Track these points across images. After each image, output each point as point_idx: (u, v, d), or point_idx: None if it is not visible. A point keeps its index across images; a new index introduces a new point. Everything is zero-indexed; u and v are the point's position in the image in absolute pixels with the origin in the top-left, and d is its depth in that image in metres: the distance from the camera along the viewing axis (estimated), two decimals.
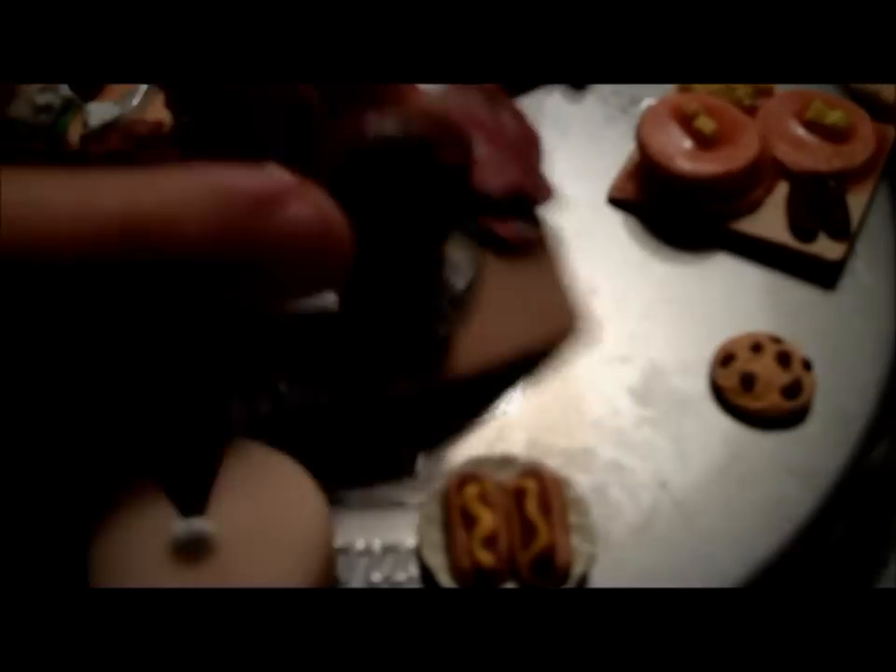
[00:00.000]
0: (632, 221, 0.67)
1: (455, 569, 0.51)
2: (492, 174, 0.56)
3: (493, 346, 0.56)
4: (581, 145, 0.71)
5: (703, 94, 0.68)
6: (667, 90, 0.71)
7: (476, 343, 0.55)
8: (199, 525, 0.47)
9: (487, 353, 0.56)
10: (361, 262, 0.44)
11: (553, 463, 0.55)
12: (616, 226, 0.67)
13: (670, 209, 0.66)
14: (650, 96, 0.70)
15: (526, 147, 0.58)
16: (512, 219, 0.57)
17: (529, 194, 0.56)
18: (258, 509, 0.48)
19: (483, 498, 0.52)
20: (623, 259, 0.64)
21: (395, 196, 0.48)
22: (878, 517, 0.59)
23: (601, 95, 0.74)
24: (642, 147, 0.66)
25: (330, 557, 0.49)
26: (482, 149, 0.54)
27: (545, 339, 0.57)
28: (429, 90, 0.55)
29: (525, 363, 0.58)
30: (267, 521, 0.48)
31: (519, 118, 0.61)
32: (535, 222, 0.59)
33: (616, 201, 0.68)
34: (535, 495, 0.52)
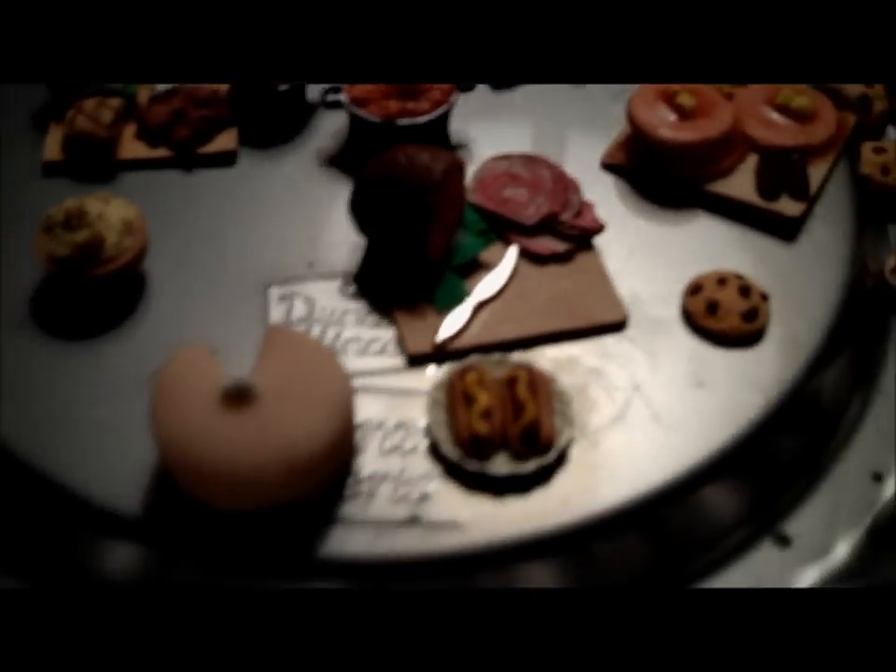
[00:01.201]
0: (621, 183, 0.78)
1: (456, 439, 0.61)
2: (528, 209, 0.73)
3: (526, 322, 0.69)
4: (580, 123, 0.82)
5: None
6: None
7: (513, 319, 0.69)
8: (244, 379, 0.57)
9: (521, 325, 0.69)
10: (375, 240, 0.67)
11: (541, 366, 0.65)
12: (607, 187, 0.77)
13: (654, 173, 0.77)
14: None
15: (563, 191, 0.74)
16: (543, 239, 0.72)
17: (562, 222, 0.72)
18: (293, 375, 0.59)
19: (481, 383, 0.62)
20: (611, 213, 0.74)
21: (383, 218, 0.67)
22: (819, 427, 0.68)
23: (594, 87, 0.85)
24: (631, 119, 0.77)
25: (349, 418, 0.59)
26: (522, 195, 0.73)
27: (570, 322, 0.69)
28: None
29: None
30: (301, 385, 0.58)
31: (555, 170, 0.75)
32: (565, 240, 0.72)
33: (608, 166, 0.79)
34: (525, 381, 0.62)
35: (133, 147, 0.76)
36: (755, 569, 0.64)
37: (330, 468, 0.59)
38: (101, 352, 0.67)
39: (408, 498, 0.61)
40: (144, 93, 0.79)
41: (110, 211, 0.65)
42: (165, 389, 0.58)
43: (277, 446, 0.55)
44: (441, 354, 0.66)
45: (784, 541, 0.64)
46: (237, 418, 0.56)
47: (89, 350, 0.67)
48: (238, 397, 0.56)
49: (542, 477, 0.62)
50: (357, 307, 0.69)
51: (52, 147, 0.76)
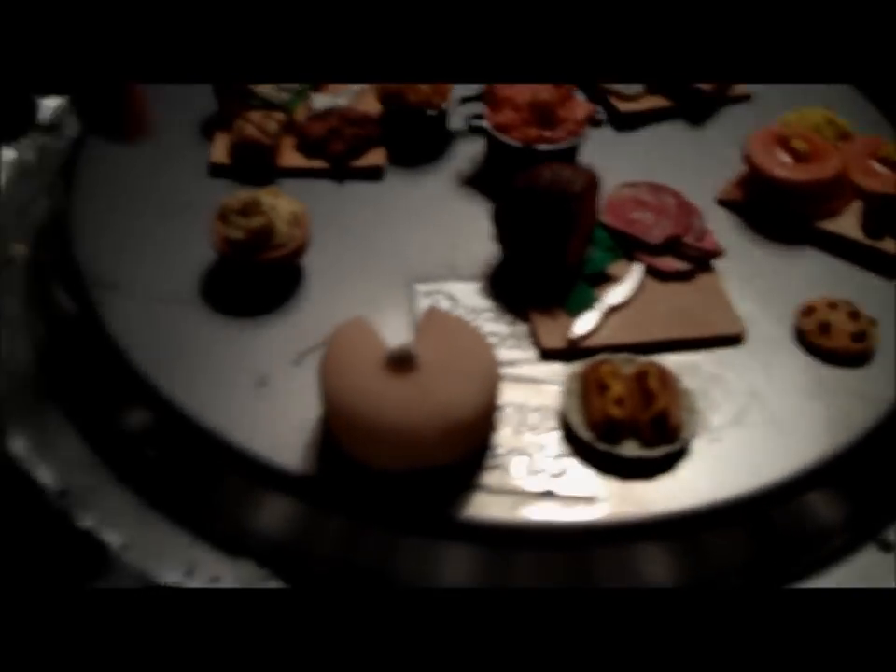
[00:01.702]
0: (735, 218, 0.84)
1: (590, 423, 0.66)
2: (653, 231, 0.79)
3: (651, 329, 0.74)
4: (696, 163, 0.88)
5: (798, 125, 0.86)
6: None
7: (639, 325, 0.75)
8: (409, 346, 0.63)
9: (646, 331, 0.74)
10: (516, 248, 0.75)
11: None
12: (724, 221, 0.83)
13: (767, 210, 0.83)
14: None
15: (686, 216, 0.80)
16: (667, 258, 0.78)
17: (685, 243, 0.78)
18: (449, 349, 0.64)
19: (615, 374, 0.68)
20: (728, 243, 0.80)
21: (528, 224, 0.73)
22: None
23: (714, 131, 0.92)
24: (749, 159, 0.83)
25: (496, 395, 0.65)
26: (648, 218, 0.80)
27: (692, 331, 0.74)
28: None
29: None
30: (456, 358, 0.64)
31: (678, 198, 0.82)
32: (686, 261, 0.78)
33: (724, 202, 0.85)
34: (656, 374, 0.68)
35: (291, 157, 0.83)
36: (856, 572, 0.68)
37: (478, 436, 0.64)
38: (263, 329, 0.73)
39: (543, 473, 0.65)
40: (301, 111, 0.86)
41: (280, 204, 0.72)
42: (335, 354, 0.64)
43: (435, 410, 0.61)
44: (572, 350, 0.72)
45: (887, 547, 0.68)
46: (400, 383, 0.61)
47: (252, 327, 0.73)
48: (401, 363, 0.61)
49: (667, 464, 0.66)
50: (495, 306, 0.75)
51: (219, 151, 0.83)
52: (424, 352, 0.63)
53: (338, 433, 0.63)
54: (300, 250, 0.73)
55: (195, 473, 0.68)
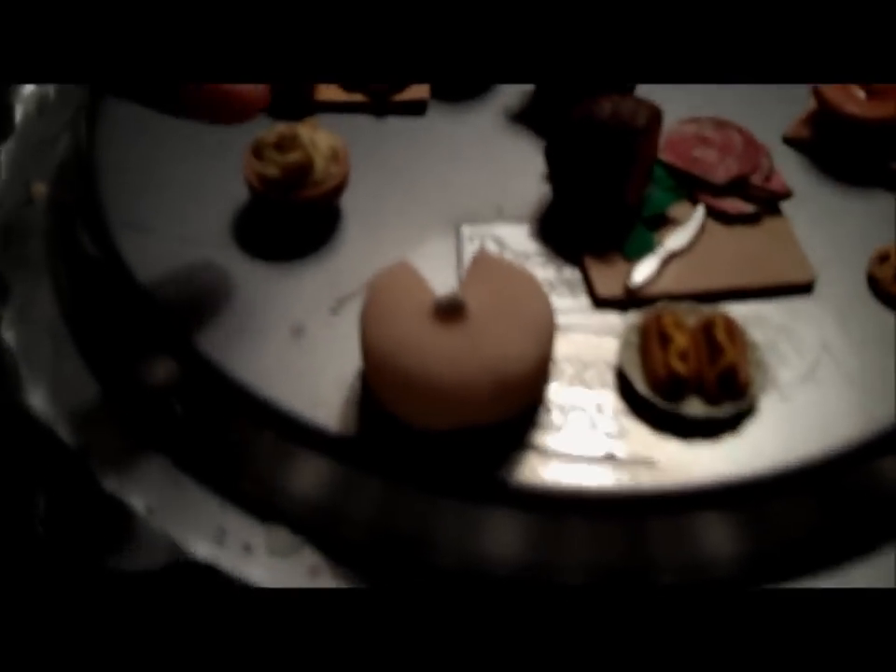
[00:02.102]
0: (803, 158, 0.78)
1: (651, 378, 0.61)
2: (717, 170, 0.73)
3: (715, 277, 0.69)
4: (761, 97, 0.82)
5: None
6: None
7: (701, 272, 0.69)
8: (458, 293, 0.57)
9: (710, 279, 0.69)
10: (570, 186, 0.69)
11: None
12: (791, 160, 0.77)
13: (837, 149, 0.77)
14: None
15: (753, 154, 0.74)
16: (731, 199, 0.72)
17: (751, 184, 0.73)
18: (502, 296, 0.59)
19: (678, 325, 0.63)
20: (795, 184, 0.74)
21: (585, 160, 0.68)
22: None
23: None
24: (818, 94, 0.77)
25: (552, 346, 0.60)
26: (712, 156, 0.74)
27: (758, 278, 0.69)
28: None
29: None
30: (509, 306, 0.59)
31: (745, 135, 0.76)
32: (753, 202, 0.73)
33: (790, 140, 0.79)
34: (723, 326, 0.62)
35: (329, 90, 0.78)
36: None
37: (532, 391, 0.60)
38: (299, 274, 0.68)
39: (599, 434, 0.61)
40: None
41: (319, 138, 0.67)
42: (376, 301, 0.59)
43: (488, 363, 0.56)
44: (629, 299, 0.66)
45: None
46: (448, 333, 0.57)
47: (287, 271, 0.68)
48: (450, 311, 0.57)
49: (733, 424, 0.61)
50: (545, 250, 0.70)
51: None
52: (473, 299, 0.58)
53: (379, 388, 0.59)
54: (339, 188, 0.68)
55: (225, 431, 0.63)
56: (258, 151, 0.67)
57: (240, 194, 0.69)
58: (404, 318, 0.58)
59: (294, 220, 0.69)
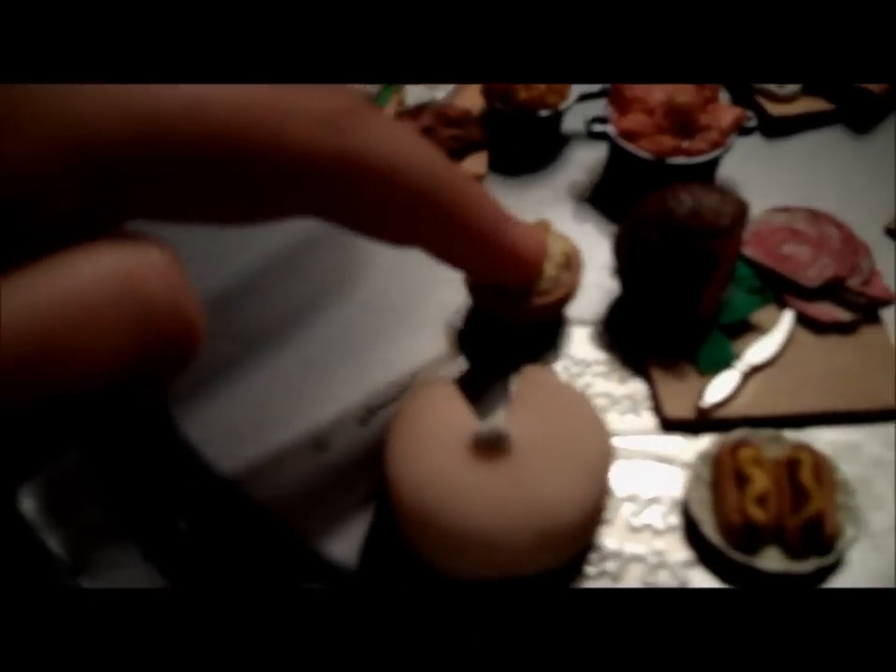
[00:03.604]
0: None
1: (723, 524, 0.53)
2: (810, 270, 0.64)
3: (802, 397, 0.60)
4: (864, 180, 0.73)
5: None
6: None
7: (787, 391, 0.60)
8: (502, 424, 0.49)
9: (797, 400, 0.60)
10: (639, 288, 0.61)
11: (819, 450, 0.56)
12: (891, 255, 0.68)
13: None
14: None
15: (852, 254, 0.65)
16: (825, 304, 0.64)
17: (848, 288, 0.64)
18: (550, 423, 0.51)
19: (757, 462, 0.54)
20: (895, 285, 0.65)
21: (657, 262, 0.59)
22: None
23: (883, 141, 0.76)
24: None
25: (607, 483, 0.52)
26: (804, 253, 0.65)
27: (853, 402, 0.60)
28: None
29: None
30: (560, 438, 0.51)
31: (843, 229, 0.67)
32: (849, 309, 0.64)
33: (894, 232, 0.69)
34: (809, 465, 0.54)
35: None
36: None
37: (583, 539, 0.52)
38: (330, 374, 0.60)
39: (658, 586, 0.52)
40: (392, 105, 0.73)
41: (552, 241, 0.59)
42: (406, 423, 0.51)
43: (533, 507, 0.48)
44: (702, 421, 0.58)
45: None
46: (488, 470, 0.49)
47: (318, 370, 0.60)
48: (492, 445, 0.49)
49: (817, 580, 0.53)
50: (608, 358, 0.62)
51: None
52: (519, 428, 0.50)
53: (404, 526, 0.50)
54: (566, 299, 0.60)
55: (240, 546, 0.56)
56: None
57: None
58: (437, 449, 0.50)
59: (510, 331, 0.62)
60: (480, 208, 0.46)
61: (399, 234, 0.45)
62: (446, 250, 0.47)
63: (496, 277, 0.53)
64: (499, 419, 0.50)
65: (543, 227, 0.59)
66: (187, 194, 0.35)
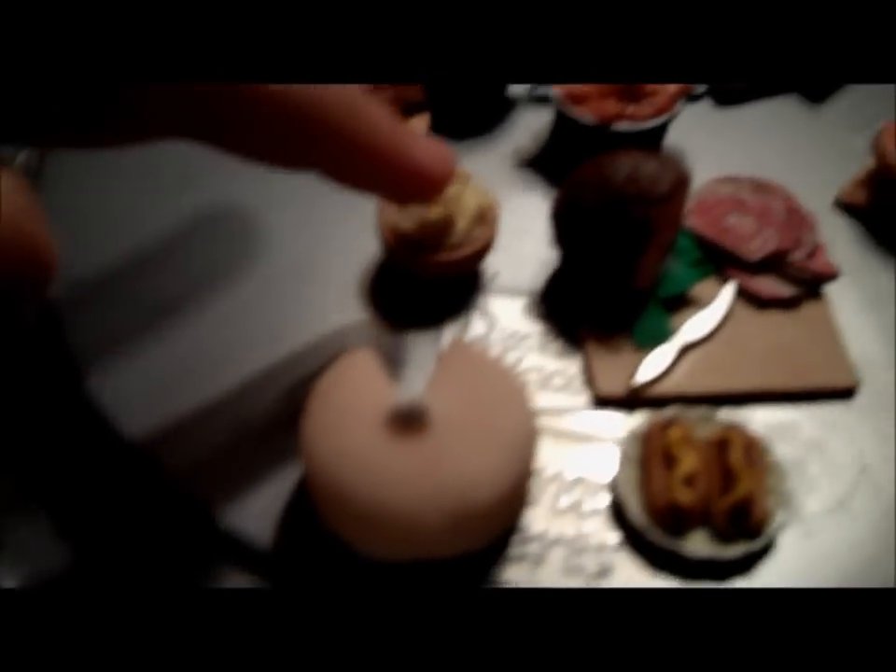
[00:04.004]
0: (858, 226, 0.67)
1: (649, 505, 0.51)
2: (752, 243, 0.62)
3: (739, 375, 0.58)
4: (814, 152, 0.71)
5: None
6: None
7: (724, 369, 0.58)
8: (419, 398, 0.47)
9: (733, 377, 0.58)
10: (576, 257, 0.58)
11: (753, 430, 0.54)
12: (842, 229, 0.66)
13: None
14: (886, 118, 0.69)
15: (796, 227, 0.63)
16: (766, 279, 0.62)
17: (791, 262, 0.62)
18: (472, 398, 0.49)
19: (686, 442, 0.52)
20: (845, 259, 0.64)
21: (592, 230, 0.57)
22: None
23: (837, 112, 0.74)
24: (879, 155, 0.66)
25: (531, 461, 0.50)
26: (748, 225, 0.63)
27: (791, 381, 0.58)
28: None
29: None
30: (483, 414, 0.49)
31: (789, 202, 0.64)
32: (791, 283, 0.62)
33: (844, 205, 0.67)
34: (740, 446, 0.52)
35: None
36: None
37: (503, 520, 0.50)
38: (245, 344, 0.58)
39: (583, 570, 0.51)
40: None
41: (467, 193, 0.57)
42: (322, 398, 0.49)
43: (449, 486, 0.46)
44: (635, 399, 0.56)
45: None
46: (405, 447, 0.47)
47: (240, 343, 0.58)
48: (409, 421, 0.47)
49: (745, 565, 0.51)
50: (542, 331, 0.60)
51: None
52: (440, 403, 0.48)
53: (321, 506, 0.49)
54: (481, 253, 0.59)
55: (153, 530, 0.54)
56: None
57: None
58: (354, 423, 0.48)
59: (422, 285, 0.60)
60: (372, 120, 0.44)
61: (290, 154, 0.43)
62: (341, 168, 0.45)
63: (399, 194, 0.51)
64: (417, 393, 0.48)
65: (462, 177, 0.58)
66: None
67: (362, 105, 0.44)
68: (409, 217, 0.56)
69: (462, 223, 0.56)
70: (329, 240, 0.63)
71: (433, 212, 0.56)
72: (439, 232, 0.56)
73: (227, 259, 0.62)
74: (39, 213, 0.34)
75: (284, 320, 0.59)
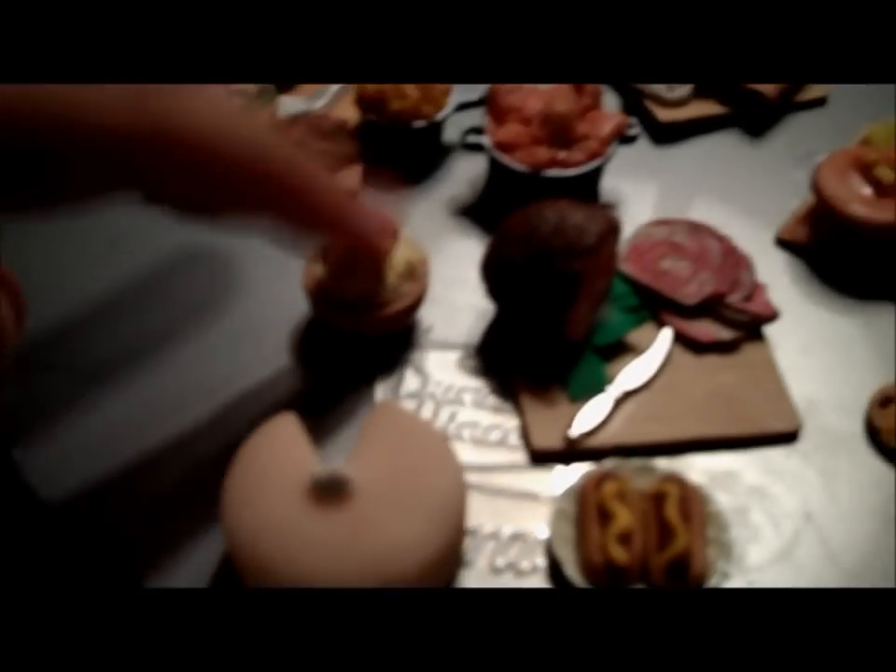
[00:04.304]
0: (799, 264, 0.66)
1: (585, 563, 0.50)
2: (688, 287, 0.61)
3: (678, 423, 0.57)
4: (753, 189, 0.70)
5: (884, 147, 0.67)
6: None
7: (662, 418, 0.58)
8: (340, 469, 0.46)
9: (672, 426, 0.57)
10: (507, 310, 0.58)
11: (693, 479, 0.53)
12: (783, 268, 0.65)
13: (840, 256, 0.65)
14: (826, 150, 0.68)
15: (732, 268, 0.62)
16: (704, 323, 0.61)
17: (729, 305, 0.61)
18: (397, 463, 0.48)
19: (621, 497, 0.51)
20: (786, 299, 0.63)
21: (521, 283, 0.56)
22: None
23: (777, 146, 0.73)
24: (818, 191, 0.65)
25: (461, 524, 0.49)
26: (683, 269, 0.62)
27: (731, 427, 0.57)
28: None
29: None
30: (405, 475, 0.48)
31: (724, 243, 0.64)
32: (730, 327, 0.61)
33: (784, 242, 0.67)
34: (676, 500, 0.51)
35: None
36: None
37: (434, 583, 0.48)
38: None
39: None
40: (265, 117, 0.70)
41: (395, 250, 0.56)
42: (244, 469, 0.48)
43: (374, 554, 0.45)
44: (572, 452, 0.55)
45: None
46: (326, 517, 0.46)
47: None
48: (331, 491, 0.46)
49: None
50: (476, 385, 0.59)
51: None
52: (366, 469, 0.47)
53: (244, 576, 0.47)
54: (412, 309, 0.58)
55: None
56: (324, 255, 0.57)
57: None
58: (274, 494, 0.47)
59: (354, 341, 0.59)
60: (314, 181, 0.45)
61: (236, 209, 0.45)
62: (286, 222, 0.46)
63: (346, 255, 0.52)
64: (340, 459, 0.47)
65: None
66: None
67: (302, 163, 0.44)
68: (336, 276, 0.55)
69: (391, 279, 0.55)
70: (260, 298, 0.62)
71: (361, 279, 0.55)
72: (367, 291, 0.55)
73: (159, 322, 0.61)
74: None
75: (215, 380, 0.58)
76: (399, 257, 0.56)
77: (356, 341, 0.58)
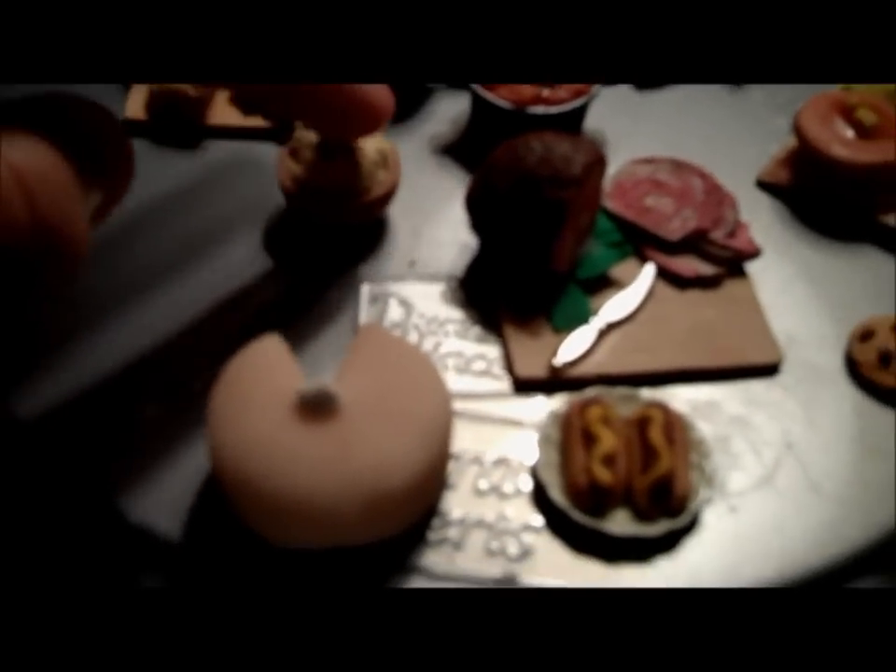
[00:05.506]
0: (780, 205, 0.66)
1: (570, 486, 0.50)
2: (672, 223, 0.62)
3: (660, 354, 0.58)
4: (735, 133, 0.71)
5: (865, 92, 0.67)
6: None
7: (645, 349, 0.58)
8: (327, 384, 0.46)
9: (655, 357, 0.57)
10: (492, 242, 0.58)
11: (676, 408, 0.54)
12: (764, 208, 0.66)
13: (820, 197, 0.65)
14: (809, 96, 0.69)
15: (716, 205, 0.63)
16: (687, 258, 0.61)
17: (712, 241, 0.61)
18: (383, 383, 0.48)
19: (605, 421, 0.51)
20: (767, 237, 0.63)
21: (506, 214, 0.56)
22: None
23: (758, 95, 0.74)
24: (799, 132, 0.65)
25: (447, 445, 0.49)
26: (666, 205, 0.62)
27: (713, 359, 0.58)
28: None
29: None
30: (394, 399, 0.48)
31: (708, 180, 0.64)
32: (713, 262, 0.61)
33: (766, 184, 0.67)
34: (660, 424, 0.51)
35: (224, 113, 0.67)
36: None
37: (419, 505, 0.49)
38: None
39: (504, 553, 0.50)
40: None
41: (366, 142, 0.58)
42: (230, 386, 0.48)
43: (360, 472, 0.45)
44: (555, 381, 0.55)
45: None
46: (314, 433, 0.46)
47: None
48: (318, 406, 0.46)
49: (669, 543, 0.50)
50: (460, 317, 0.59)
51: (135, 105, 0.67)
52: (352, 388, 0.47)
53: (230, 496, 0.47)
54: (387, 197, 0.60)
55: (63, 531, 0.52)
56: (295, 152, 0.58)
57: None
58: (260, 411, 0.47)
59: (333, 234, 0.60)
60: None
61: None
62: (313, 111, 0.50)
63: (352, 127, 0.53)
64: (326, 378, 0.47)
65: None
66: None
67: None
68: (312, 167, 0.57)
69: (367, 166, 0.57)
70: (232, 195, 0.63)
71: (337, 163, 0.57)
72: (346, 179, 0.57)
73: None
74: (76, 191, 0.38)
75: (191, 283, 0.58)
76: (370, 146, 0.58)
77: (335, 233, 0.60)
